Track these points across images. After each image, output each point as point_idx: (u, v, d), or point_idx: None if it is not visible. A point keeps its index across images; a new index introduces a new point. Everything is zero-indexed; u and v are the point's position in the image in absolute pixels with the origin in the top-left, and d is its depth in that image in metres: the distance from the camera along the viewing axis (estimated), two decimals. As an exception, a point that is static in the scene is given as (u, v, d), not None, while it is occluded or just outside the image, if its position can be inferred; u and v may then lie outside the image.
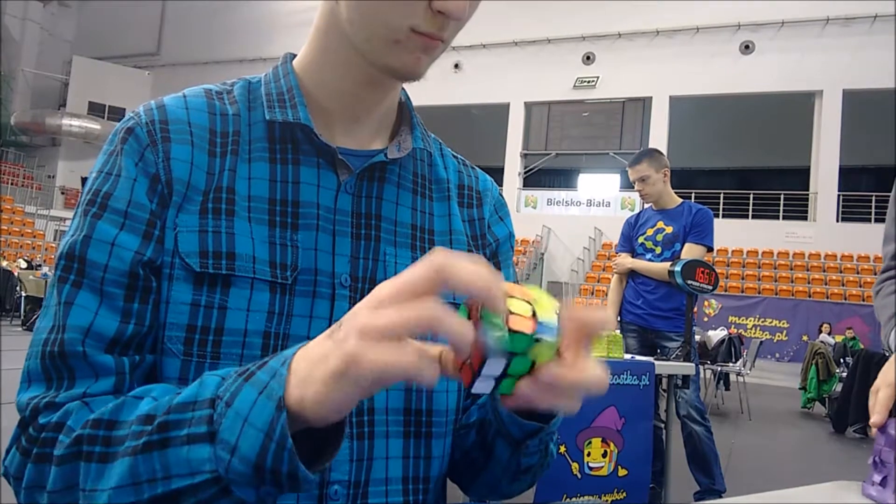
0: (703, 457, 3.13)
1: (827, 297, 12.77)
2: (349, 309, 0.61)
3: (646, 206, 3.45)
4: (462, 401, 0.70)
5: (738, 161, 20.56)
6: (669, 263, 2.97)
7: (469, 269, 0.38)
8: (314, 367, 0.40)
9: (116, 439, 0.47)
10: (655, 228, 3.30)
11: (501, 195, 0.81)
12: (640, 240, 3.36)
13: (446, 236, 0.71)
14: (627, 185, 18.62)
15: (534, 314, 0.41)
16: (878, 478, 0.74)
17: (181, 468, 0.43)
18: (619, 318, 3.45)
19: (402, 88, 0.72)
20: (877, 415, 0.74)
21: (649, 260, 3.30)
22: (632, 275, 3.37)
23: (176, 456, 0.43)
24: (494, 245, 0.76)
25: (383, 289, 0.39)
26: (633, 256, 3.39)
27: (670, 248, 3.25)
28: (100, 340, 0.55)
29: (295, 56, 0.69)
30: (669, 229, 3.25)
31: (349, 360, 0.38)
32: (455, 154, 0.79)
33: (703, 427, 3.14)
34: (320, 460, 0.44)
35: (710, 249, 3.22)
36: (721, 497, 3.14)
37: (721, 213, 16.26)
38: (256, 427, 0.40)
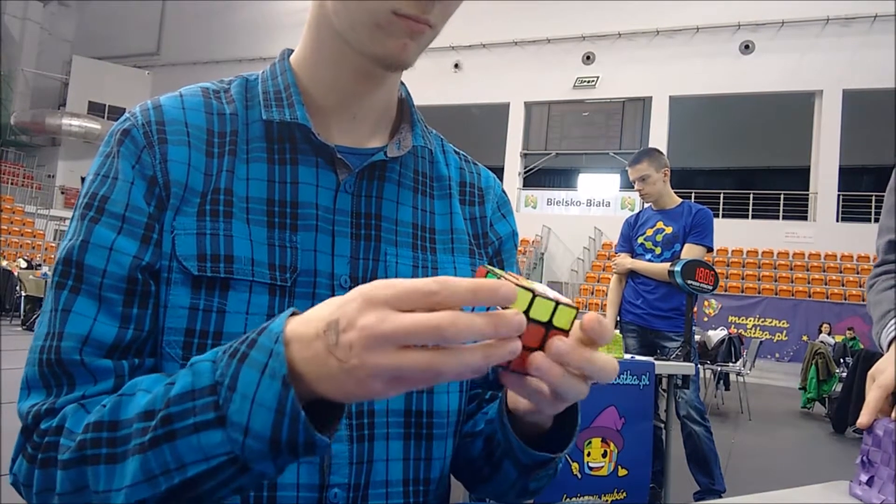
0: (703, 457, 3.13)
1: (827, 297, 12.76)
2: None
3: (646, 205, 3.45)
4: (465, 403, 0.69)
5: (738, 161, 20.56)
6: (669, 263, 2.97)
7: (470, 282, 0.38)
8: (322, 381, 0.40)
9: (120, 439, 0.47)
10: (655, 229, 3.29)
11: (504, 192, 0.80)
12: (640, 240, 3.35)
13: (448, 235, 0.70)
14: (627, 185, 18.61)
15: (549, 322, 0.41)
16: (864, 477, 0.74)
17: (195, 455, 0.43)
18: (618, 318, 3.45)
19: (403, 84, 0.71)
20: (865, 415, 0.74)
21: (649, 260, 3.29)
22: (632, 275, 3.37)
23: (187, 445, 0.43)
24: (497, 243, 0.75)
25: (377, 290, 0.39)
26: (632, 256, 3.39)
27: (670, 249, 3.24)
28: (98, 347, 0.54)
29: (292, 52, 0.68)
30: (669, 229, 3.25)
31: (366, 389, 0.39)
32: (457, 150, 0.78)
33: (702, 427, 3.13)
34: (329, 420, 0.44)
35: (709, 250, 3.22)
36: (721, 497, 3.14)
37: (721, 213, 16.26)
38: (266, 406, 0.41)
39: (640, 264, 3.28)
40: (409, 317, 0.37)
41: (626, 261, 3.36)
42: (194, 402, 0.43)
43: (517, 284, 0.40)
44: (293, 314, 0.43)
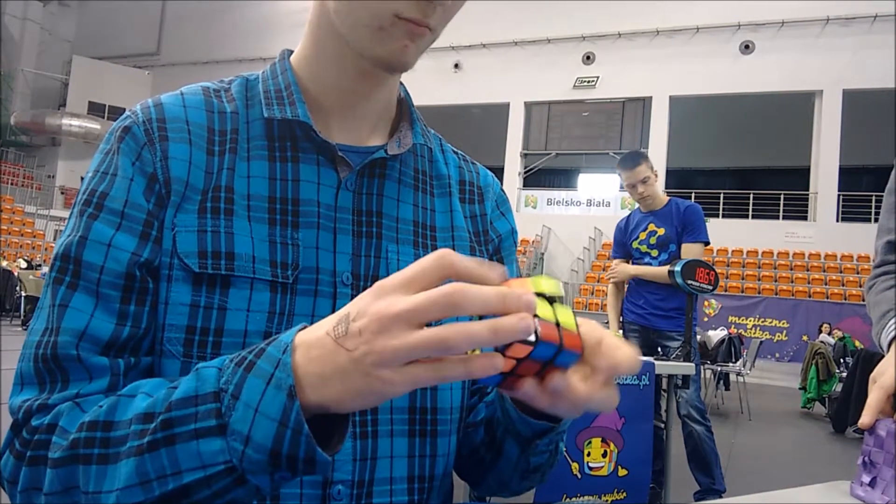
0: (703, 456, 3.13)
1: (827, 297, 12.76)
2: None
3: (635, 207, 3.43)
4: (467, 398, 0.70)
5: (738, 161, 20.56)
6: (669, 264, 2.97)
7: (474, 263, 0.39)
8: (329, 381, 0.40)
9: (115, 440, 0.46)
10: (648, 231, 3.28)
11: (503, 191, 0.80)
12: (635, 245, 3.35)
13: (448, 233, 0.70)
14: (627, 185, 18.60)
15: (557, 324, 0.41)
16: (866, 478, 0.74)
17: (192, 462, 0.43)
18: (620, 319, 3.46)
19: (402, 84, 0.71)
20: (866, 416, 0.74)
21: (647, 263, 3.30)
22: (634, 262, 3.39)
23: (185, 451, 0.43)
24: (497, 241, 0.75)
25: (387, 280, 0.39)
26: (629, 261, 3.39)
27: (666, 250, 3.24)
28: (95, 343, 0.54)
29: (292, 52, 0.69)
30: (661, 231, 3.24)
31: (374, 383, 0.39)
32: (455, 150, 0.78)
33: (703, 427, 3.14)
34: (331, 440, 0.44)
35: (706, 244, 3.22)
36: (721, 497, 3.14)
37: (721, 213, 16.26)
38: (269, 417, 0.40)
39: (641, 269, 3.28)
40: (419, 295, 0.37)
41: (627, 268, 3.34)
42: (196, 408, 0.43)
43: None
44: (304, 327, 0.44)
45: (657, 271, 3.19)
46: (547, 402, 0.43)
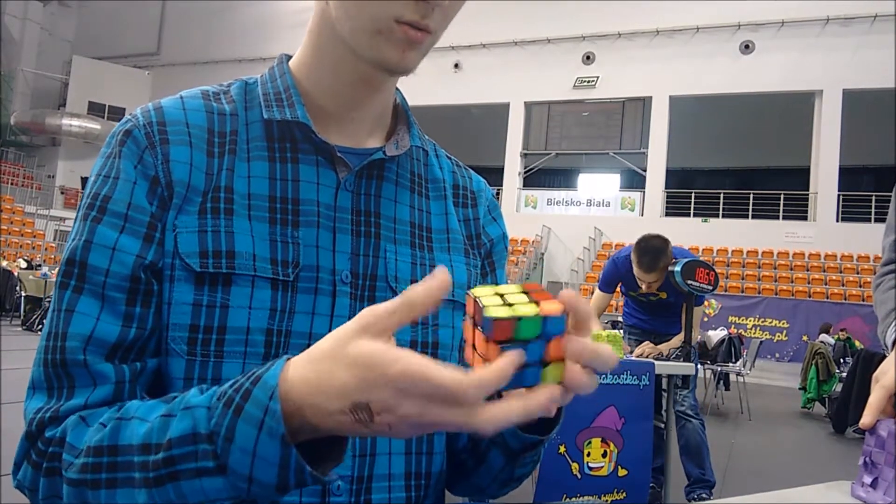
0: (696, 447, 3.21)
1: (827, 297, 12.76)
2: (349, 306, 0.61)
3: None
4: None
5: (738, 161, 20.56)
6: (670, 265, 2.97)
7: (496, 377, 0.38)
8: (340, 432, 0.42)
9: (122, 465, 0.48)
10: (648, 292, 3.19)
11: (494, 196, 0.82)
12: (633, 294, 3.33)
13: (444, 234, 0.71)
14: (627, 185, 18.63)
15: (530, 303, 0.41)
16: (868, 479, 0.74)
17: (198, 497, 0.45)
18: (620, 320, 3.51)
19: (398, 89, 0.72)
20: (867, 416, 0.74)
21: (642, 301, 3.32)
22: (630, 299, 3.43)
23: (190, 487, 0.44)
24: (488, 245, 0.76)
25: (410, 376, 0.38)
26: (620, 293, 3.44)
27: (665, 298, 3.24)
28: (101, 346, 0.55)
29: (290, 57, 0.69)
30: (664, 295, 3.20)
31: (381, 435, 0.41)
32: (449, 155, 0.79)
33: (697, 420, 3.24)
34: (334, 450, 0.46)
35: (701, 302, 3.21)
36: (712, 490, 3.18)
37: (721, 213, 16.26)
38: (268, 461, 0.42)
39: (665, 347, 3.14)
40: (450, 413, 0.38)
41: (647, 349, 3.11)
42: (195, 447, 0.44)
43: (503, 294, 0.41)
44: (288, 360, 0.43)
45: (672, 343, 3.17)
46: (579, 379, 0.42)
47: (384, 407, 0.39)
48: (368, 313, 0.41)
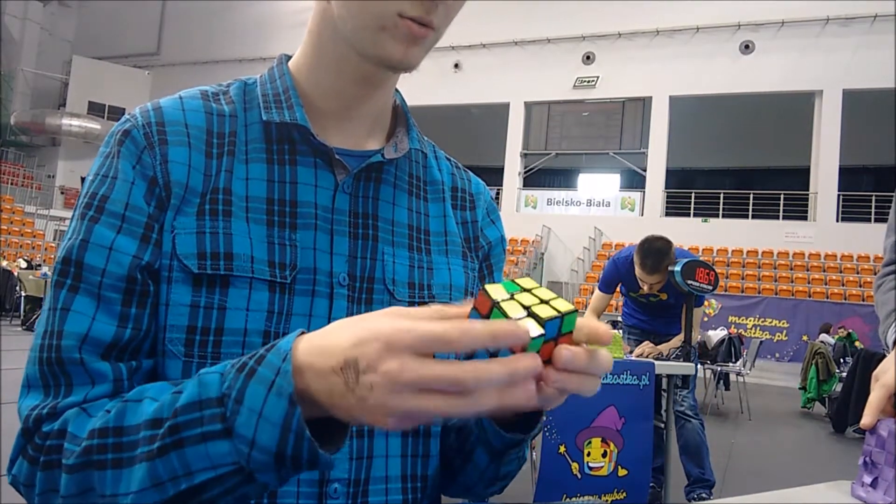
0: (696, 447, 3.21)
1: (827, 297, 12.77)
2: (346, 308, 0.61)
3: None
4: None
5: (738, 161, 20.56)
6: (670, 265, 2.98)
7: (489, 329, 0.38)
8: (334, 409, 0.41)
9: (127, 445, 0.48)
10: (649, 293, 3.19)
11: (493, 199, 0.82)
12: (633, 295, 3.33)
13: (442, 237, 0.71)
14: (627, 185, 18.63)
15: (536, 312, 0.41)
16: (868, 479, 0.74)
17: (202, 463, 0.44)
18: (620, 320, 3.51)
19: (398, 91, 0.72)
20: (867, 416, 0.74)
21: (643, 301, 3.32)
22: (630, 299, 3.42)
23: (195, 453, 0.44)
24: (486, 248, 0.76)
25: (398, 333, 0.39)
26: (620, 293, 3.43)
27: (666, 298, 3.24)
28: (97, 346, 0.55)
29: (290, 57, 0.69)
30: (664, 296, 3.21)
31: (373, 418, 0.40)
32: (448, 157, 0.79)
33: (697, 420, 3.24)
34: (333, 437, 0.46)
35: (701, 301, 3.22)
36: (711, 490, 3.18)
37: (721, 213, 16.26)
38: (272, 422, 0.42)
39: (665, 347, 3.17)
40: (431, 367, 0.38)
41: (647, 349, 3.15)
42: (202, 413, 0.44)
43: (522, 289, 0.41)
44: (302, 333, 0.44)
45: (672, 343, 3.18)
46: (573, 383, 0.42)
47: (369, 363, 0.39)
48: (397, 308, 0.42)
